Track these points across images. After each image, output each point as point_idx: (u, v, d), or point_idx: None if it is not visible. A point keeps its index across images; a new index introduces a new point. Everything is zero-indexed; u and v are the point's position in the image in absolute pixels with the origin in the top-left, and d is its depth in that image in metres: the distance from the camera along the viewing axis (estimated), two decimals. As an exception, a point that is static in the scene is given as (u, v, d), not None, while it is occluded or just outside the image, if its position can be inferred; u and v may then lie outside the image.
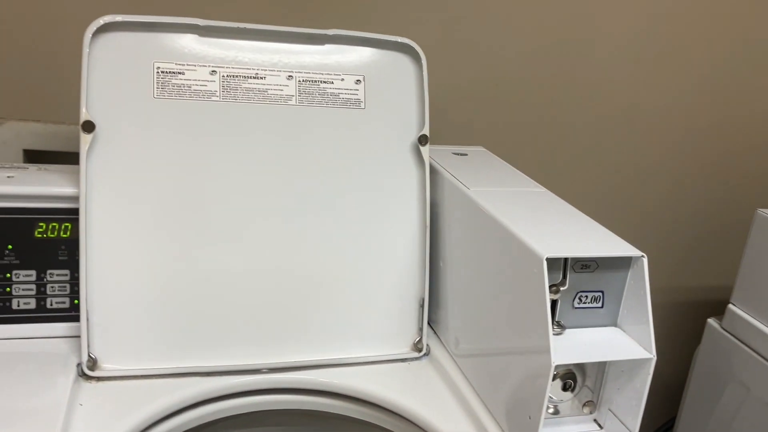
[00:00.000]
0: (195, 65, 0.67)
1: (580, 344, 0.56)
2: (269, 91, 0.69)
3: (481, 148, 0.85)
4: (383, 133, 0.73)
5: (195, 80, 0.67)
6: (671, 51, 0.99)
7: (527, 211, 0.63)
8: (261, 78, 0.69)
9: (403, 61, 0.73)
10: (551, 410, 0.61)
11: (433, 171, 0.75)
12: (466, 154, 0.82)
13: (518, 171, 0.77)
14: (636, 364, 0.56)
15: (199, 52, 0.67)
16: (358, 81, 0.72)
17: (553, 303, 0.57)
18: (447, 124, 0.93)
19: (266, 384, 0.71)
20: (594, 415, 0.63)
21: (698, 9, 0.98)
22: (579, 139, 1.00)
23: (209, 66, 0.67)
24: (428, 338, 0.76)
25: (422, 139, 0.74)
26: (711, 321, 0.97)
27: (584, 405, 0.62)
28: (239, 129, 0.68)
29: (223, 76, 0.68)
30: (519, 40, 0.93)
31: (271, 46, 0.70)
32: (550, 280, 0.56)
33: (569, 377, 0.60)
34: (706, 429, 0.98)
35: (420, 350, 0.75)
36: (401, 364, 0.73)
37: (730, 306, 0.93)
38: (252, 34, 0.69)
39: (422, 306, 0.74)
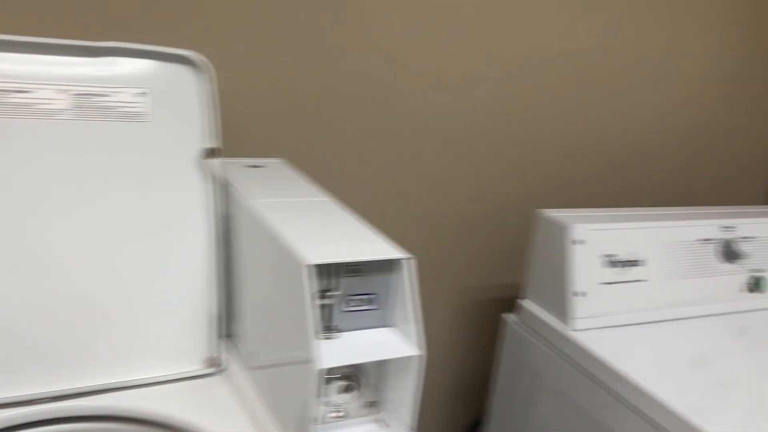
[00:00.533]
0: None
1: (352, 347, 0.58)
2: (38, 106, 0.66)
3: (278, 161, 0.86)
4: (169, 146, 0.72)
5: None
6: (458, 60, 1.06)
7: (303, 220, 0.65)
8: (27, 92, 0.65)
9: (189, 73, 0.73)
10: (335, 414, 0.63)
11: (226, 184, 0.75)
12: (263, 167, 0.82)
13: (308, 182, 0.79)
14: (407, 362, 0.59)
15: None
16: (142, 94, 0.71)
17: (326, 307, 0.59)
18: (248, 136, 0.94)
19: (50, 414, 0.67)
20: (379, 415, 0.65)
21: (473, 20, 1.06)
22: (377, 147, 1.04)
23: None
24: (228, 353, 0.75)
25: (211, 152, 0.73)
26: (505, 316, 1.04)
27: (368, 405, 0.64)
28: (6, 146, 0.64)
29: (-15, 90, 0.64)
30: (322, 51, 0.95)
31: (42, 59, 0.67)
32: (320, 285, 0.58)
33: (351, 379, 0.63)
34: (510, 421, 1.04)
35: (215, 366, 0.74)
36: (195, 381, 0.72)
37: (522, 301, 1.01)
38: (19, 46, 0.65)
39: (216, 320, 0.73)
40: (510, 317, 1.04)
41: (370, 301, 0.61)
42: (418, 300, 0.58)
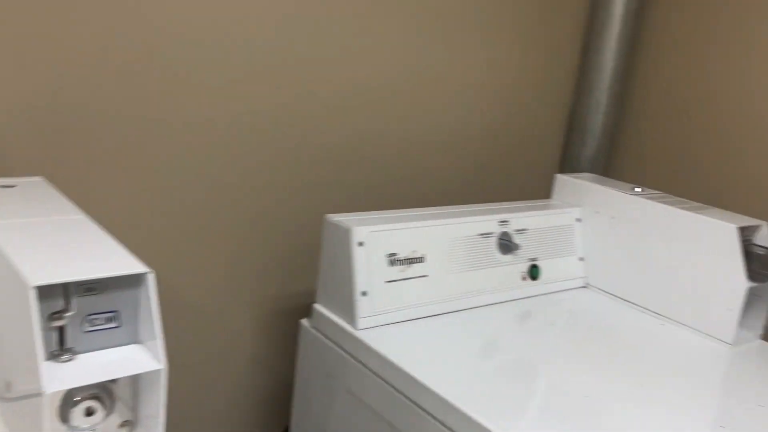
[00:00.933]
0: None
1: (89, 368, 0.56)
2: None
3: (37, 179, 0.82)
4: None
5: None
6: (242, 76, 1.06)
7: (44, 240, 0.62)
8: None
9: None
10: (87, 437, 0.61)
11: (-32, 205, 0.70)
12: (14, 186, 0.78)
13: (65, 200, 0.76)
14: (153, 377, 0.59)
15: None
16: None
17: (61, 329, 0.57)
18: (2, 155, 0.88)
19: None
20: (137, 433, 0.64)
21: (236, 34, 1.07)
22: (148, 158, 1.02)
23: None
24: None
25: (-54, 172, 0.68)
26: (303, 322, 1.06)
27: (122, 425, 0.63)
28: None
29: None
30: (76, 67, 0.91)
31: None
32: (52, 307, 0.56)
33: (99, 400, 0.61)
34: (311, 425, 1.06)
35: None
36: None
37: (315, 305, 1.03)
38: None
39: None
40: (305, 322, 1.05)
41: (112, 319, 0.59)
42: (158, 313, 0.58)
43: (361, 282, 0.95)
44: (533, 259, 1.16)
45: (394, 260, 0.99)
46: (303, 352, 1.06)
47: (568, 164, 1.52)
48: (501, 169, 1.47)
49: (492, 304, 1.10)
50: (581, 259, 1.23)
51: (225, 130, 1.06)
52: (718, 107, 1.37)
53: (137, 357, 0.59)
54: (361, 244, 0.96)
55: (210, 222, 1.09)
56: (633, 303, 1.16)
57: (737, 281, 1.02)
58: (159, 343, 0.58)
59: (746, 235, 1.08)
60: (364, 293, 0.95)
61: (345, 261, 0.96)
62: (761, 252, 1.06)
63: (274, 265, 1.18)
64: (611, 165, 1.56)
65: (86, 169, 0.95)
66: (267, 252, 1.16)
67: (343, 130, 1.20)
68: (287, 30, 1.09)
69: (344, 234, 0.96)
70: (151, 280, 0.58)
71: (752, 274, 1.06)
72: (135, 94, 0.97)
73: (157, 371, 0.57)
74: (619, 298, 1.18)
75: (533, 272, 1.16)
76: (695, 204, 1.15)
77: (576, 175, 1.29)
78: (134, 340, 0.61)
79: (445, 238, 1.05)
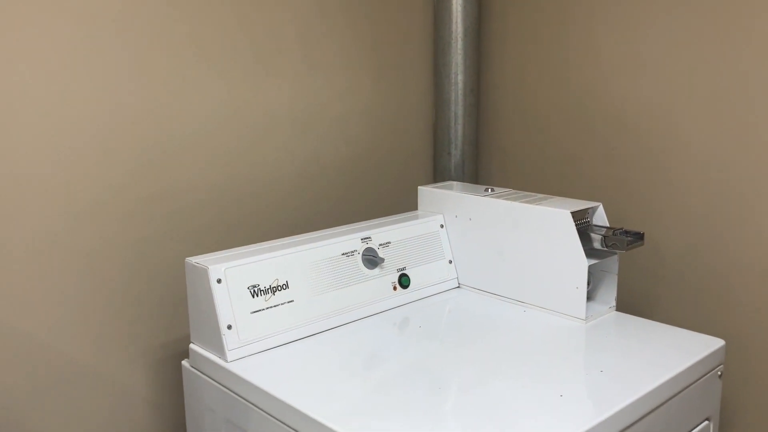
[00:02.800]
0: None
1: None
2: None
3: None
4: None
5: None
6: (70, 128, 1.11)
7: None
8: None
9: None
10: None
11: None
12: None
13: None
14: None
15: None
16: None
17: None
18: None
19: None
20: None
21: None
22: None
23: None
24: None
25: None
26: (184, 363, 1.10)
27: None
28: None
29: None
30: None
31: None
32: None
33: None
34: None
35: None
36: None
37: (191, 345, 1.07)
38: None
39: None
40: (186, 363, 1.09)
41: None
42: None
43: (225, 317, 1.00)
44: (402, 269, 1.23)
45: (256, 291, 1.04)
46: (188, 392, 1.10)
47: (440, 175, 1.61)
48: (375, 190, 1.54)
49: (365, 318, 1.16)
50: (450, 261, 1.31)
51: (83, 189, 1.10)
52: (560, 108, 1.48)
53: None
54: (219, 281, 1.01)
55: (85, 280, 1.12)
56: (498, 295, 1.24)
57: (579, 261, 1.11)
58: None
59: (585, 217, 1.18)
60: (229, 327, 1.00)
61: (207, 299, 1.01)
62: (597, 231, 1.16)
63: (157, 315, 1.21)
64: (480, 170, 1.66)
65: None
66: (148, 303, 1.20)
67: (207, 173, 1.25)
68: (137, 79, 1.14)
69: (202, 274, 1.01)
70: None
71: (594, 251, 1.15)
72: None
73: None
74: (487, 292, 1.26)
75: (403, 281, 1.23)
76: (539, 196, 1.24)
77: (437, 185, 1.38)
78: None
79: (307, 263, 1.11)
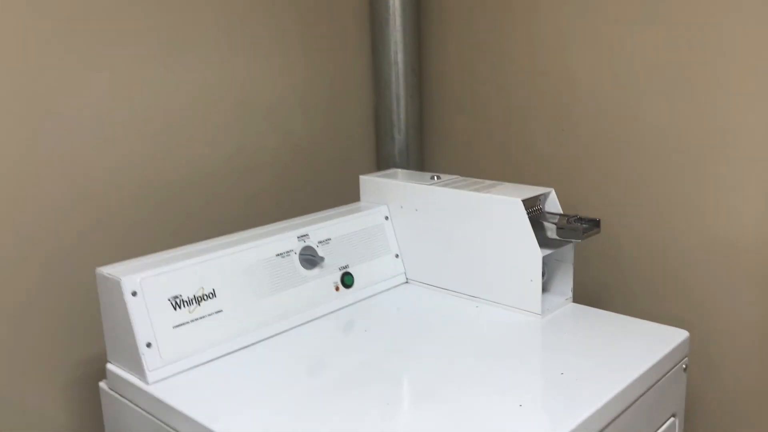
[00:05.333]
0: None
1: None
2: None
3: None
4: None
5: None
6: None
7: None
8: None
9: None
10: None
11: None
12: None
13: None
14: None
15: None
16: None
17: None
18: None
19: None
20: None
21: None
22: None
23: None
24: None
25: None
26: (101, 384, 0.98)
27: None
28: None
29: None
30: None
31: None
32: None
33: None
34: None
35: None
36: None
37: (108, 365, 0.95)
38: None
39: None
40: (103, 384, 0.97)
41: None
42: None
43: (143, 334, 0.89)
44: (344, 267, 1.13)
45: (178, 302, 0.93)
46: (107, 415, 0.98)
47: (384, 162, 1.51)
48: (313, 182, 1.43)
49: (304, 324, 1.06)
50: (397, 256, 1.22)
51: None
52: (506, 88, 1.40)
53: None
54: (134, 293, 0.89)
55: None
56: (449, 290, 1.16)
57: (532, 252, 1.03)
58: None
59: (536, 204, 1.10)
60: (149, 345, 0.89)
61: (122, 314, 0.89)
62: (551, 219, 1.08)
63: (68, 330, 1.09)
64: (426, 157, 1.57)
65: None
66: (57, 316, 1.07)
67: (120, 172, 1.12)
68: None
69: (115, 286, 0.89)
70: None
71: (547, 241, 1.08)
72: None
73: None
74: (437, 287, 1.18)
75: (346, 280, 1.13)
76: (487, 183, 1.15)
77: (380, 173, 1.28)
78: None
79: (236, 267, 1.00)
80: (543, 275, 1.06)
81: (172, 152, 1.19)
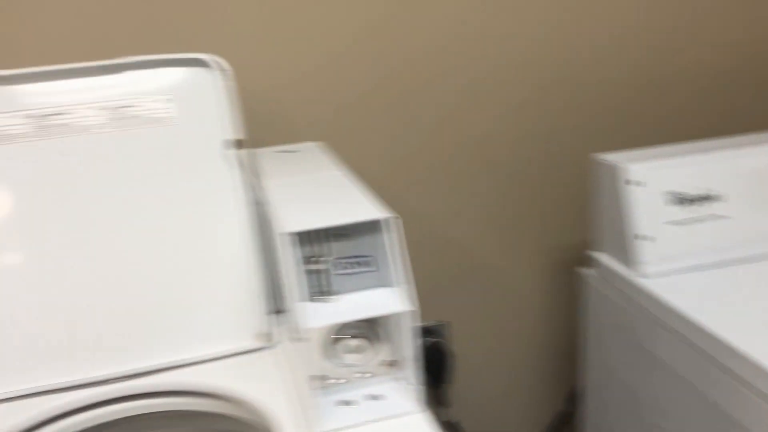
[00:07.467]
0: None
1: (342, 307, 0.60)
2: (76, 124, 0.75)
3: (313, 144, 0.90)
4: (198, 144, 0.78)
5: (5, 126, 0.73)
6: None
7: (305, 194, 0.68)
8: (65, 114, 0.75)
9: (207, 74, 0.78)
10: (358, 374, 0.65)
11: (257, 171, 0.80)
12: (295, 151, 0.86)
13: (332, 161, 0.82)
14: (404, 318, 0.60)
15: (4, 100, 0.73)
16: (167, 100, 0.77)
17: (318, 272, 0.61)
18: (291, 122, 0.97)
19: (125, 391, 0.76)
20: (400, 373, 0.66)
21: None
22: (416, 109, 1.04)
23: (17, 112, 0.73)
24: (280, 327, 0.80)
25: (237, 143, 0.78)
26: (583, 271, 0.99)
27: (387, 364, 0.66)
28: (61, 165, 0.74)
29: (33, 118, 0.74)
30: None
31: (74, 83, 0.75)
32: (309, 251, 0.61)
33: (364, 339, 0.65)
34: (614, 385, 1.00)
35: (266, 340, 0.79)
36: (249, 355, 0.78)
37: (594, 253, 0.96)
38: (52, 75, 0.75)
39: (263, 298, 0.78)
40: (586, 272, 0.99)
41: (364, 263, 0.62)
42: (405, 258, 0.59)
43: (641, 225, 0.86)
44: None
45: (679, 200, 0.87)
46: (585, 304, 1.00)
47: None
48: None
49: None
50: None
51: (484, 80, 1.05)
52: None
53: (386, 299, 0.61)
54: (633, 182, 0.86)
55: (479, 175, 1.09)
56: None
57: None
58: (407, 285, 0.59)
59: None
60: (644, 237, 0.86)
61: (620, 203, 0.88)
62: None
63: (547, 216, 1.13)
64: None
65: (361, 135, 1.01)
66: (539, 202, 1.12)
67: (614, 64, 1.09)
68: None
69: (614, 173, 0.88)
70: (392, 225, 0.60)
71: None
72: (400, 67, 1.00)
73: (405, 313, 0.59)
74: None
75: None
76: None
77: None
78: (385, 283, 0.63)
79: (744, 170, 0.89)
80: None
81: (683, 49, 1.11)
